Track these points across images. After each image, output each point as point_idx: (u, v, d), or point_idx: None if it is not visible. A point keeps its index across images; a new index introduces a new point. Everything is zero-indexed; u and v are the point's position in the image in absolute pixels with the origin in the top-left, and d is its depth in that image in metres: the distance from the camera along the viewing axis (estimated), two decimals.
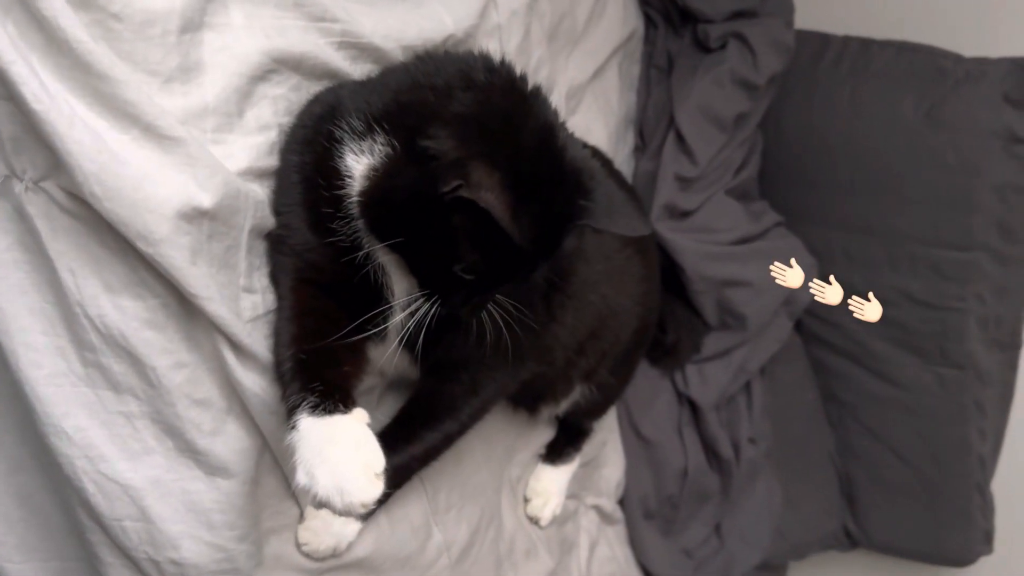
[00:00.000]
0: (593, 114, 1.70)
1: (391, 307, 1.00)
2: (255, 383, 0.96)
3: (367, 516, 1.12)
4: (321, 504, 0.84)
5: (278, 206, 1.01)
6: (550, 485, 1.56)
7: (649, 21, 1.98)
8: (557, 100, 1.54)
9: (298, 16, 1.03)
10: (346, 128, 0.94)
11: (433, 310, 0.95)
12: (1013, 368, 2.02)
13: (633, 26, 1.87)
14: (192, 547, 0.93)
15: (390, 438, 1.12)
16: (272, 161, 1.01)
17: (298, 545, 1.09)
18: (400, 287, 1.00)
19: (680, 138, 1.77)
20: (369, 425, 0.90)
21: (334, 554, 1.11)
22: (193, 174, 0.87)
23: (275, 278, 1.02)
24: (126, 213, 0.82)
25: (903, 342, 1.98)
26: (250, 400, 0.95)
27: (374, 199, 0.92)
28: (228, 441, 0.95)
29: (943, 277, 1.89)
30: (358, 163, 0.93)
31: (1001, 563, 2.06)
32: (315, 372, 0.93)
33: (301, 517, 1.08)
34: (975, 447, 1.99)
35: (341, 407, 0.89)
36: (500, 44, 1.35)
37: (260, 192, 0.98)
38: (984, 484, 2.03)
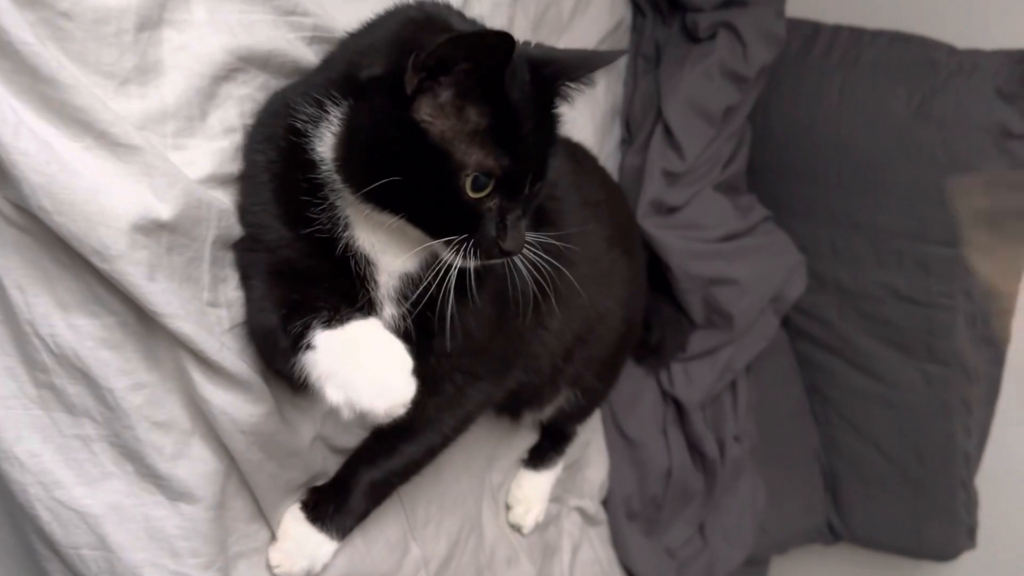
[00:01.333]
0: (579, 107, 1.64)
1: (372, 301, 0.95)
2: (224, 400, 0.90)
3: (344, 535, 1.07)
4: (361, 414, 0.80)
5: (247, 206, 0.95)
6: (532, 492, 1.52)
7: (637, 10, 1.93)
8: None
9: (266, 10, 0.97)
10: (302, 117, 0.90)
11: (468, 259, 0.88)
12: (999, 364, 2.01)
13: (620, 15, 1.81)
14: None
15: (369, 453, 1.08)
16: (238, 166, 0.95)
17: (270, 568, 1.03)
18: (384, 277, 0.95)
19: (668, 132, 1.73)
20: None
21: None
22: (150, 184, 0.81)
23: (246, 278, 0.97)
24: (78, 228, 0.76)
25: (889, 339, 1.96)
26: (217, 419, 0.90)
27: (347, 154, 0.87)
28: (192, 464, 0.90)
29: (930, 273, 1.87)
30: (324, 141, 0.88)
31: (983, 558, 2.06)
32: (315, 300, 0.87)
33: (272, 539, 1.03)
34: (960, 444, 1.98)
35: (357, 315, 0.84)
36: None
37: (225, 200, 0.92)
38: (968, 480, 2.03)
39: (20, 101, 0.76)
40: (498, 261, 0.92)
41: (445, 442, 1.10)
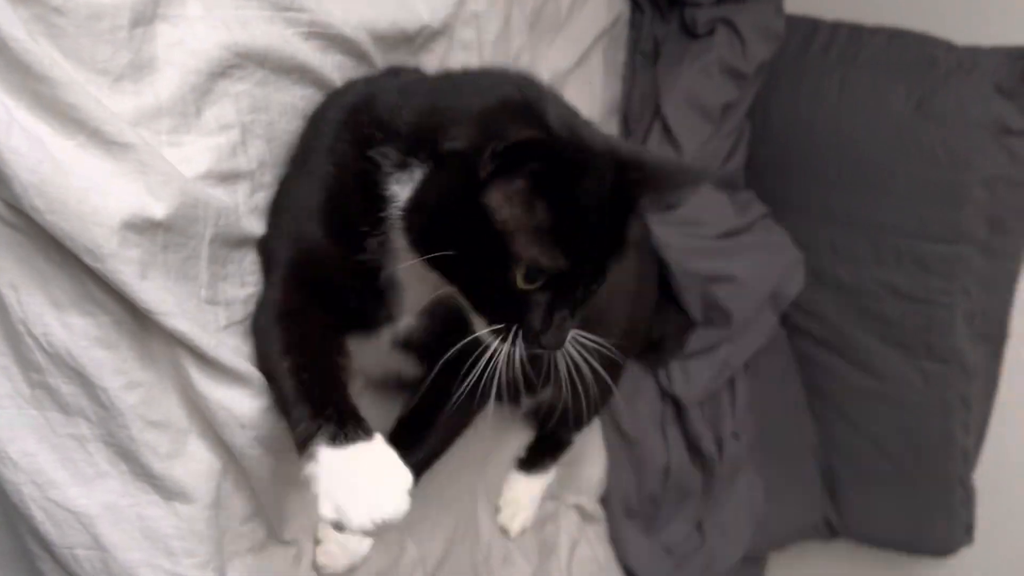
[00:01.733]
0: (577, 103, 1.62)
1: (394, 316, 0.97)
2: (223, 395, 0.90)
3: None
4: (354, 532, 0.80)
5: (289, 199, 0.97)
6: (522, 496, 1.52)
7: (635, 5, 1.92)
8: None
9: (262, 6, 0.96)
10: (384, 155, 0.90)
11: (512, 348, 0.89)
12: (997, 361, 2.01)
13: (618, 10, 1.80)
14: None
15: (399, 441, 1.08)
16: (236, 163, 0.94)
17: (317, 568, 1.09)
18: (411, 301, 0.97)
19: (666, 129, 1.73)
20: None
21: (350, 571, 1.12)
22: (145, 182, 0.80)
23: (267, 261, 0.98)
24: (71, 227, 0.76)
25: (888, 336, 1.96)
26: (216, 414, 0.89)
27: (417, 214, 0.88)
28: (187, 464, 0.89)
29: (929, 271, 1.86)
30: (402, 189, 0.89)
31: (981, 554, 2.06)
32: (324, 396, 0.87)
33: (269, 537, 1.03)
34: (958, 441, 1.98)
35: (362, 434, 0.84)
36: (478, 33, 1.29)
37: (223, 198, 0.91)
38: (966, 477, 2.03)
39: (12, 99, 0.75)
40: (538, 352, 0.92)
41: (450, 443, 1.13)
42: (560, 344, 0.91)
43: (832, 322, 2.02)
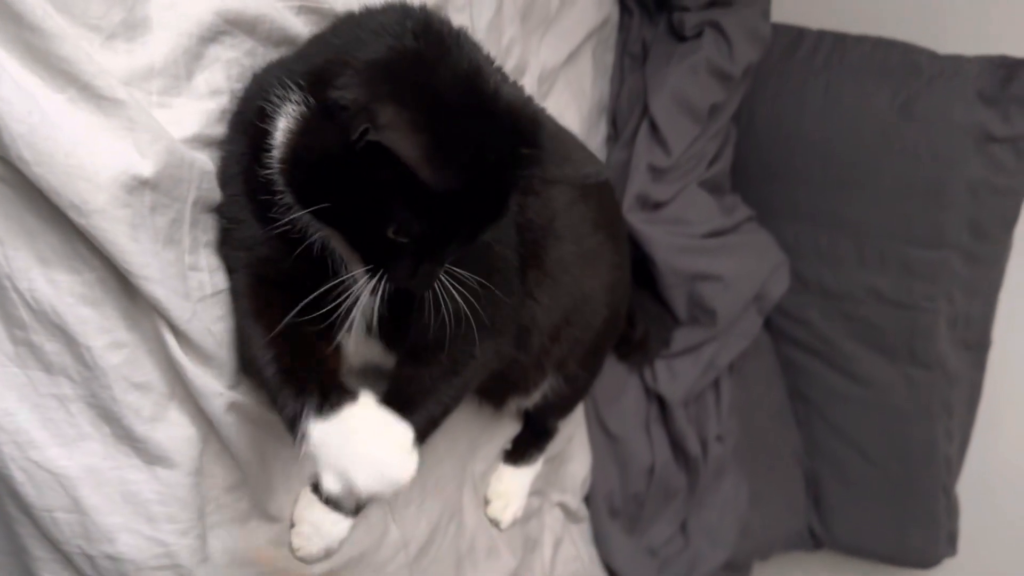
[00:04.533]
0: (566, 100, 1.65)
1: (350, 292, 0.93)
2: (197, 367, 0.90)
3: (358, 512, 1.09)
4: (366, 498, 0.81)
5: (223, 198, 0.94)
6: (511, 487, 1.51)
7: (624, 8, 1.94)
8: (529, 83, 1.49)
9: None
10: (272, 100, 0.87)
11: (381, 286, 0.88)
12: (981, 368, 2.02)
13: (607, 12, 1.82)
14: (129, 541, 0.86)
15: None
16: (223, 129, 0.94)
17: (292, 550, 1.06)
18: (358, 272, 0.94)
19: (654, 127, 1.74)
20: None
21: (327, 555, 1.09)
22: (134, 139, 0.80)
23: (229, 272, 0.96)
24: (57, 180, 0.75)
25: (871, 341, 1.97)
26: (192, 383, 0.89)
27: (292, 162, 0.85)
28: (169, 429, 0.88)
29: (913, 275, 1.88)
30: (280, 132, 0.86)
31: (964, 565, 2.06)
32: (305, 375, 0.87)
33: (253, 509, 1.02)
34: (942, 448, 1.98)
35: (347, 397, 0.84)
36: (471, 20, 1.30)
37: (207, 162, 0.91)
38: (949, 485, 2.03)
39: (4, 50, 0.75)
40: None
41: (446, 411, 1.09)
42: (426, 288, 0.90)
43: (816, 326, 2.03)
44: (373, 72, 0.80)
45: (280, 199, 0.88)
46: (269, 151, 0.87)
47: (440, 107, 0.78)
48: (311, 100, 0.84)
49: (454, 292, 0.93)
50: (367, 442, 0.81)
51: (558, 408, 1.49)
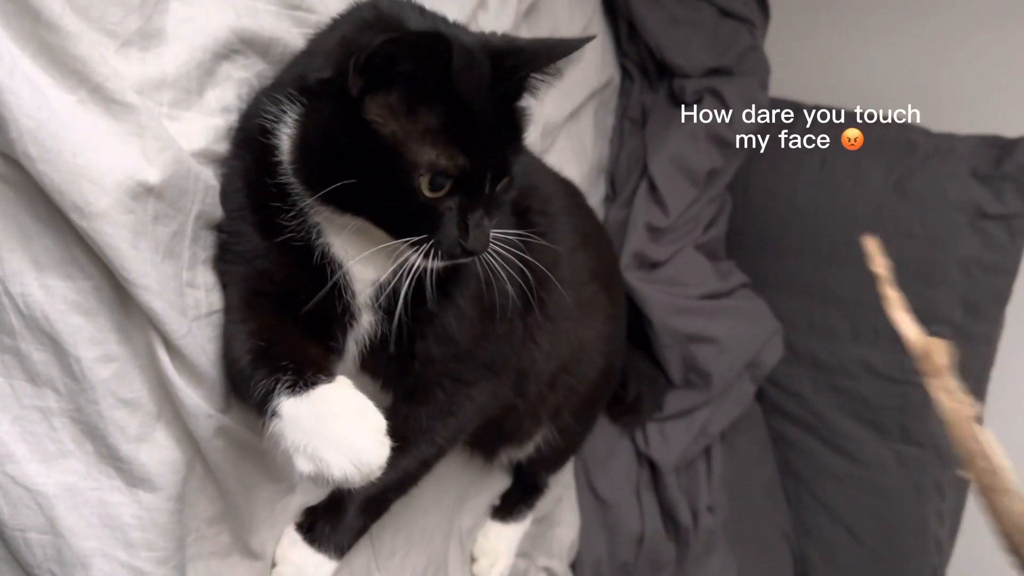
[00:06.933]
0: (567, 156, 1.66)
1: (350, 310, 0.93)
2: (189, 387, 0.86)
3: (343, 554, 1.04)
4: (335, 484, 0.76)
5: (225, 215, 0.93)
6: (499, 544, 1.46)
7: (625, 73, 1.98)
8: (533, 136, 1.49)
9: (271, 1, 0.98)
10: (269, 117, 0.87)
11: (429, 260, 0.85)
12: None
13: (610, 74, 1.85)
14: (104, 567, 0.81)
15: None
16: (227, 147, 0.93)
17: None
18: (360, 285, 0.93)
19: (653, 187, 1.75)
20: None
21: None
22: (142, 146, 0.79)
23: (224, 288, 0.94)
24: (61, 179, 0.73)
25: (863, 416, 1.95)
26: (183, 402, 0.85)
27: (304, 158, 0.85)
28: (154, 450, 0.84)
29: (905, 350, 1.86)
30: (283, 143, 0.87)
31: None
32: (281, 353, 0.84)
33: (235, 543, 0.97)
34: (932, 529, 1.95)
35: (323, 377, 0.80)
36: None
37: (212, 176, 0.90)
38: (940, 568, 1.99)
39: (18, 46, 0.73)
40: (465, 260, 0.89)
41: (440, 453, 1.06)
42: (484, 246, 0.87)
43: (808, 399, 2.01)
44: (343, 47, 0.84)
45: (293, 201, 0.87)
46: (278, 160, 0.87)
47: (416, 36, 0.80)
48: (303, 100, 0.85)
49: (454, 323, 0.90)
50: (340, 425, 0.77)
51: (550, 462, 1.45)
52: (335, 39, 0.87)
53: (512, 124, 0.89)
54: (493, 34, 0.92)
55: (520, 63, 0.87)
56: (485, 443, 1.33)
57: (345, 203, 0.84)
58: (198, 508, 0.91)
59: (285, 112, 0.86)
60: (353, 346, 0.97)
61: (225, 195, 0.93)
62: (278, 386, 0.80)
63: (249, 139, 0.91)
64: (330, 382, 0.81)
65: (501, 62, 0.85)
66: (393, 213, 0.85)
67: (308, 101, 0.85)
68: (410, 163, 0.81)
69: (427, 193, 0.83)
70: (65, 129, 0.74)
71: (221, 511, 0.94)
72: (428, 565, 1.25)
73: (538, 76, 0.89)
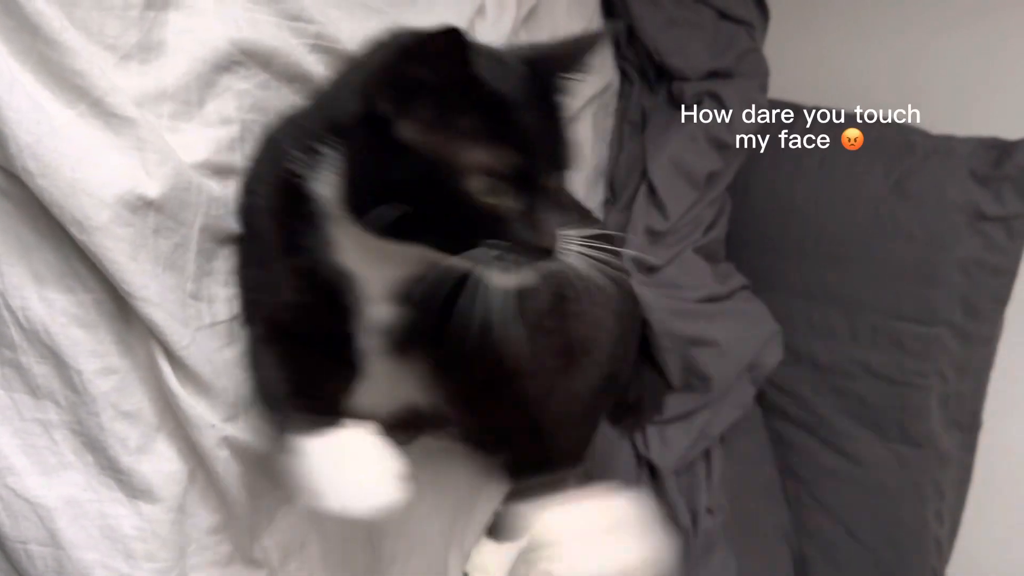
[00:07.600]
0: None
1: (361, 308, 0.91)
2: (192, 397, 0.87)
3: None
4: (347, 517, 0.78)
5: (250, 266, 0.94)
6: (490, 563, 1.45)
7: (624, 77, 1.98)
8: None
9: (272, 12, 0.97)
10: (298, 162, 0.85)
11: (511, 272, 0.80)
12: (971, 450, 2.00)
13: (609, 78, 1.85)
14: None
15: None
16: (233, 158, 0.93)
17: None
18: (371, 287, 0.91)
19: (652, 191, 1.75)
20: None
21: None
22: (141, 159, 0.79)
23: (248, 323, 0.95)
24: (61, 194, 0.73)
25: (863, 417, 1.95)
26: (186, 413, 0.85)
27: (353, 196, 0.82)
28: (155, 461, 0.84)
29: (905, 351, 1.87)
30: (323, 181, 0.84)
31: None
32: (308, 387, 0.86)
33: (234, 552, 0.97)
34: (932, 530, 1.95)
35: (345, 422, 0.82)
36: None
37: (215, 188, 0.90)
38: (939, 569, 1.99)
39: (17, 60, 0.74)
40: (541, 263, 0.83)
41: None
42: (555, 240, 0.81)
43: (807, 400, 2.01)
44: (374, 74, 0.80)
45: (324, 237, 0.87)
46: (311, 203, 0.86)
47: (421, 38, 0.75)
48: (341, 144, 0.83)
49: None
50: (358, 466, 0.79)
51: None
52: (360, 79, 0.83)
53: (555, 118, 0.85)
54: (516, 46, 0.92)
55: (553, 66, 0.85)
56: (486, 444, 1.32)
57: (404, 233, 0.80)
58: (199, 518, 0.91)
59: (321, 156, 0.83)
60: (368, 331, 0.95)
61: (250, 231, 0.93)
62: (299, 421, 0.82)
63: (270, 181, 0.91)
64: (351, 427, 0.82)
65: (535, 66, 0.83)
66: (455, 230, 0.80)
67: (346, 142, 0.82)
68: (459, 171, 0.77)
69: (486, 199, 0.78)
70: (64, 143, 0.74)
71: (223, 520, 0.94)
72: (428, 571, 1.26)
73: (568, 76, 0.88)
